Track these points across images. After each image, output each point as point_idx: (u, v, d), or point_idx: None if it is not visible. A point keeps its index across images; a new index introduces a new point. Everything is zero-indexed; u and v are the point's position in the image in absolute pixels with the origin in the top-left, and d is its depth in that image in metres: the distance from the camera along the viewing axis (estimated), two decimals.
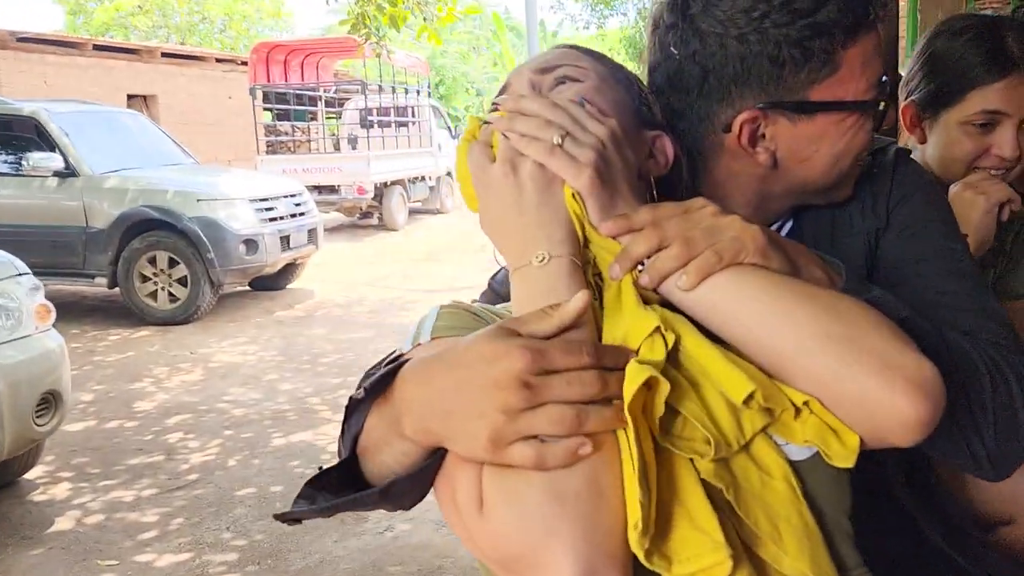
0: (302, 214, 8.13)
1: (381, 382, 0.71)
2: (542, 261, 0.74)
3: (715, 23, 0.88)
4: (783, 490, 0.71)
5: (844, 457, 0.71)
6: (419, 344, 0.79)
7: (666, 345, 0.69)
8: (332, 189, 12.62)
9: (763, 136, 0.91)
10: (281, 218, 7.75)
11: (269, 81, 13.74)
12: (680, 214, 0.77)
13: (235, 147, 15.49)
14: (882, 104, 0.92)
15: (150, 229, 7.20)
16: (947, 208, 1.01)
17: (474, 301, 1.10)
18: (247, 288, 8.34)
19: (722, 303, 0.74)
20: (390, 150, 13.62)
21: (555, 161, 0.76)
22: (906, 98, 1.42)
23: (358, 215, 13.57)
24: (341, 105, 15.19)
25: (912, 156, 1.03)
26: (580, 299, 0.68)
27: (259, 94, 13.25)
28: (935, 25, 1.41)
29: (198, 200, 7.21)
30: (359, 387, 0.76)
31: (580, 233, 0.77)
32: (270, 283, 8.36)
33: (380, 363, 0.87)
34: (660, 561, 0.65)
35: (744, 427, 0.70)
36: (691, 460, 0.69)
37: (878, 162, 0.99)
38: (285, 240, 7.71)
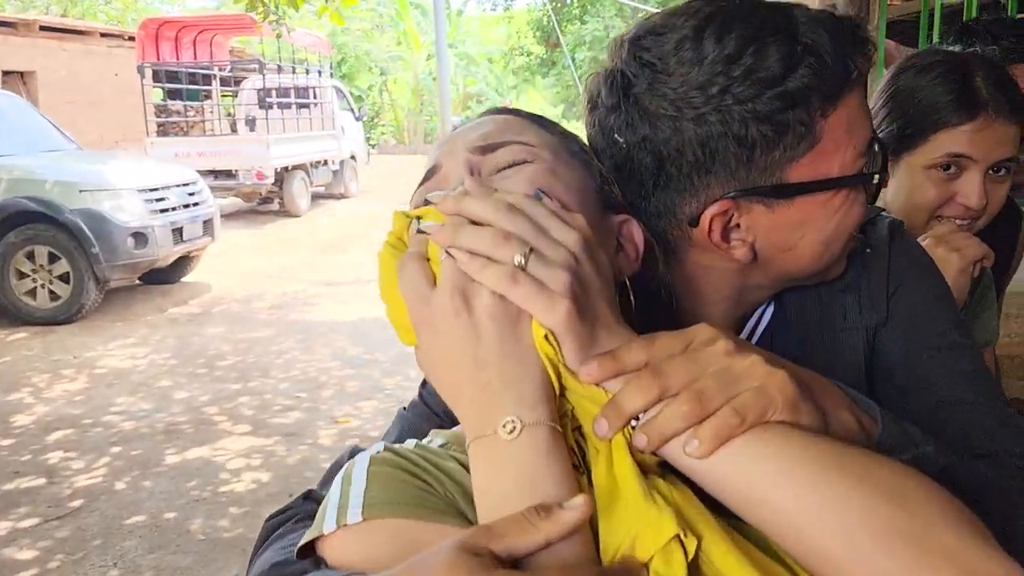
0: (196, 204, 7.67)
1: None
2: (512, 432, 0.57)
3: (665, 104, 0.72)
4: None
5: None
6: (345, 525, 0.60)
7: (686, 555, 0.53)
8: (229, 174, 12.04)
9: (737, 227, 0.76)
10: (173, 209, 7.28)
11: (159, 59, 12.98)
12: (683, 351, 0.60)
13: (123, 128, 14.62)
14: (876, 177, 0.78)
15: (28, 222, 6.64)
16: (949, 292, 0.88)
17: (403, 409, 0.92)
18: (137, 283, 7.84)
19: (745, 478, 0.56)
20: (291, 132, 13.11)
21: (520, 291, 0.58)
22: None
23: (257, 201, 13.03)
24: (238, 84, 14.53)
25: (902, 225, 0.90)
26: (579, 508, 0.52)
27: (148, 72, 12.51)
28: (900, 60, 1.29)
29: (80, 191, 6.69)
30: None
31: (556, 383, 0.59)
32: (162, 277, 7.89)
33: (286, 518, 0.70)
34: None
35: None
36: None
37: (870, 239, 0.86)
38: (178, 232, 7.25)
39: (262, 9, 7.50)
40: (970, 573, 0.51)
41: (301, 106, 14.15)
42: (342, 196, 15.07)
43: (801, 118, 0.71)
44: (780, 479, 0.55)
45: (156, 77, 13.09)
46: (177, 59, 13.44)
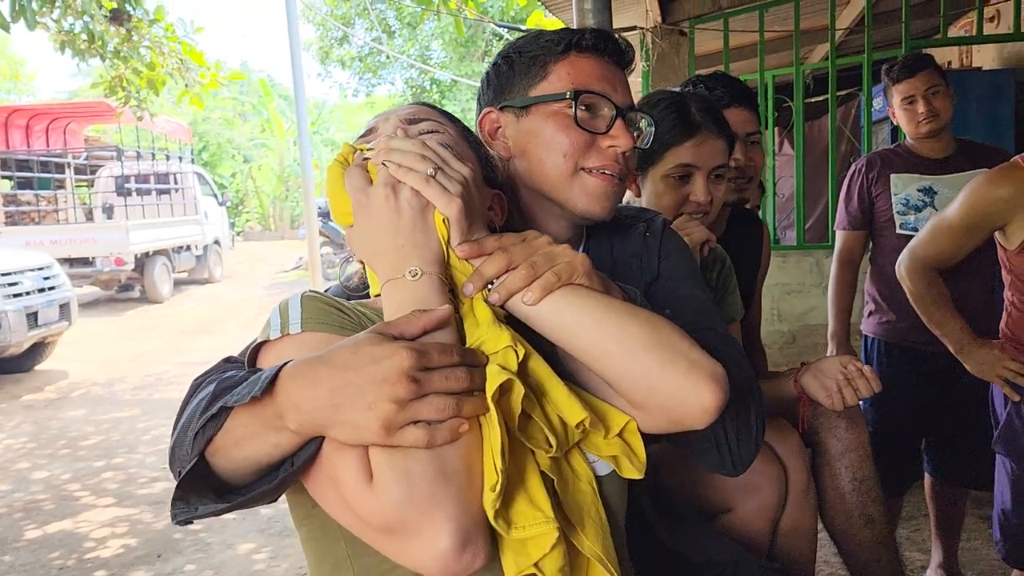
0: (52, 288, 7.51)
1: (268, 386, 0.79)
2: (415, 276, 0.88)
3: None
4: (588, 491, 0.90)
5: (635, 471, 0.92)
6: (288, 334, 0.89)
7: (517, 357, 0.85)
8: (86, 261, 11.72)
9: (499, 128, 1.18)
10: (27, 293, 7.12)
11: (9, 147, 12.62)
12: (520, 242, 0.94)
13: None
14: (581, 107, 1.12)
15: None
16: (696, 266, 1.30)
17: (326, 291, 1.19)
18: None
19: (561, 317, 0.90)
20: (151, 218, 12.93)
21: (430, 190, 0.90)
22: None
23: (117, 288, 12.69)
24: (93, 172, 14.21)
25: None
26: (446, 307, 0.84)
27: None
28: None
29: None
30: (221, 394, 0.84)
31: (445, 254, 0.91)
32: (14, 365, 7.59)
33: (245, 352, 0.96)
34: (502, 524, 0.80)
35: (569, 438, 0.88)
36: (532, 453, 0.85)
37: (650, 227, 1.26)
38: (32, 317, 7.08)
39: (122, 94, 7.54)
40: (696, 366, 0.88)
41: (162, 192, 13.99)
42: (207, 281, 14.85)
43: (539, 64, 1.14)
44: (584, 316, 0.90)
45: (5, 166, 12.69)
46: (28, 147, 13.09)
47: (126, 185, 12.67)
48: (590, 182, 1.13)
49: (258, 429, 0.81)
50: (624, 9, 4.33)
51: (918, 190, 2.62)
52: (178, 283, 13.76)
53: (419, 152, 0.92)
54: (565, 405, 0.86)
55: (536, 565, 0.82)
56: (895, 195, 2.64)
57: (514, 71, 1.15)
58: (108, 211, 12.81)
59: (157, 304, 12.40)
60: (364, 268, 1.05)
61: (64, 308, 7.63)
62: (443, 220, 0.90)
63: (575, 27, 1.29)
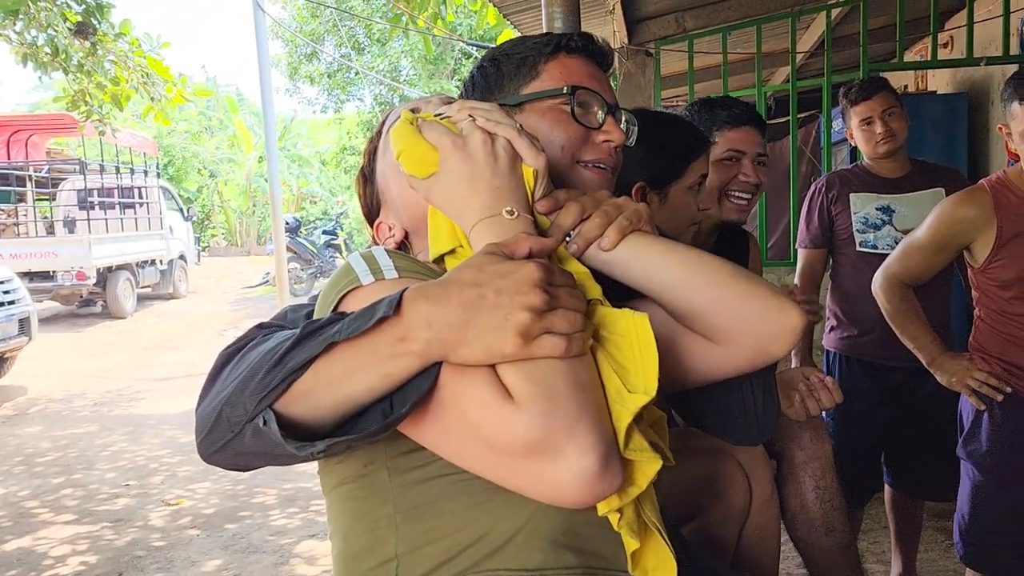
0: (11, 302, 7.38)
1: (390, 311, 0.77)
2: (512, 215, 0.90)
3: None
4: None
5: (668, 460, 0.90)
6: (384, 279, 0.88)
7: (600, 303, 0.88)
8: (47, 275, 11.52)
9: None
10: None
11: None
12: (585, 195, 0.99)
13: None
14: (576, 103, 1.14)
15: None
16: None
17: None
18: None
19: (643, 257, 0.95)
20: (115, 233, 12.75)
21: (521, 141, 0.95)
22: None
23: (78, 303, 12.48)
24: (55, 186, 13.99)
25: None
26: (552, 239, 0.90)
27: None
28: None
29: None
30: (307, 338, 0.80)
31: (530, 204, 0.95)
32: None
33: (281, 316, 1.00)
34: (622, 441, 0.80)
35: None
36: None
37: None
38: None
39: (84, 108, 7.45)
40: (772, 288, 0.95)
41: (126, 206, 13.81)
42: (171, 296, 14.66)
43: (529, 65, 1.16)
44: (662, 254, 0.95)
45: None
46: None
47: (89, 199, 12.49)
48: (587, 175, 1.15)
49: (366, 361, 0.77)
50: (591, 29, 4.39)
51: (876, 209, 2.69)
52: (142, 298, 13.57)
53: (501, 111, 0.98)
54: (643, 368, 0.86)
55: (635, 504, 0.83)
56: (854, 214, 2.71)
57: (502, 72, 1.17)
58: (70, 225, 12.60)
59: (120, 319, 12.22)
60: (406, 236, 1.06)
61: (23, 323, 7.50)
62: (534, 172, 0.95)
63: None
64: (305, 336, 0.80)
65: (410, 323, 0.77)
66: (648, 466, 0.82)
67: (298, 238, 15.15)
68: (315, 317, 0.92)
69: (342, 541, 0.95)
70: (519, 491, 0.78)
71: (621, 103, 1.23)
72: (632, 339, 0.84)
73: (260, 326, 0.98)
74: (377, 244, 1.07)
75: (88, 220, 12.19)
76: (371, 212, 1.13)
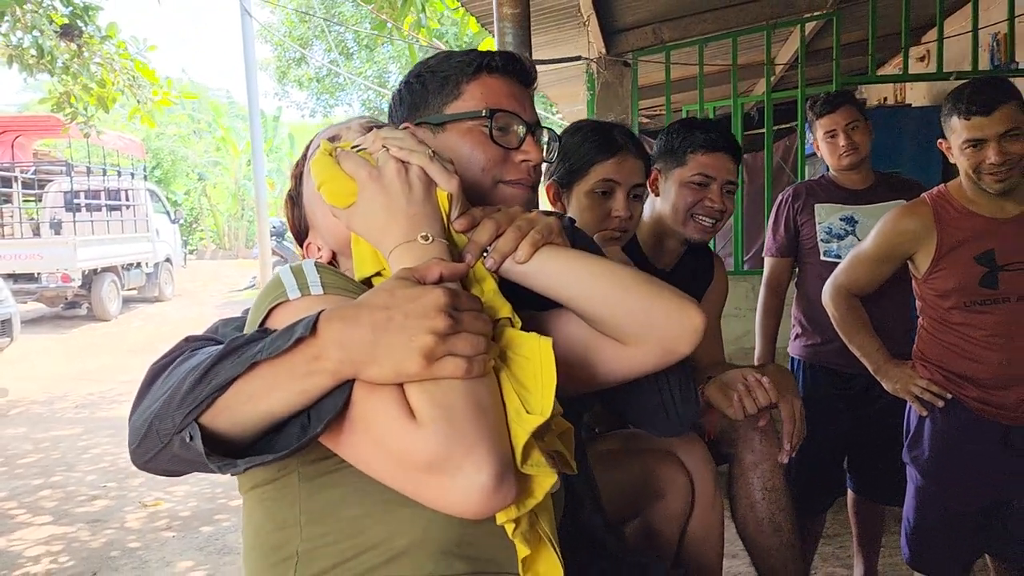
0: None
1: (306, 332, 0.82)
2: (427, 240, 0.96)
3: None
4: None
5: (569, 469, 0.97)
6: (308, 295, 0.93)
7: (511, 324, 0.94)
8: (31, 277, 11.50)
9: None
10: None
11: None
12: (500, 211, 1.04)
13: None
14: (495, 126, 1.17)
15: None
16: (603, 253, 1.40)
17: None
18: None
19: (555, 270, 1.02)
20: (101, 235, 12.73)
21: (434, 167, 1.00)
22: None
23: (63, 305, 12.45)
24: (42, 187, 13.96)
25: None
26: (463, 264, 0.94)
27: None
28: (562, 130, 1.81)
29: None
30: (230, 355, 0.84)
31: (446, 226, 1.00)
32: None
33: (213, 329, 1.02)
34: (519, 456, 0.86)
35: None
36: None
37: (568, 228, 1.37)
38: None
39: (70, 110, 7.46)
40: (676, 292, 1.01)
41: (112, 208, 13.79)
42: (156, 299, 14.64)
43: (452, 84, 1.18)
44: (573, 265, 1.02)
45: None
46: None
47: (75, 201, 12.47)
48: (508, 192, 1.19)
49: (283, 379, 0.82)
50: (569, 40, 4.47)
51: (840, 219, 2.75)
52: (127, 301, 13.55)
53: (413, 138, 1.02)
54: (547, 390, 0.91)
55: (530, 515, 0.88)
56: (819, 224, 2.77)
57: (427, 89, 1.19)
58: (56, 227, 12.58)
59: (104, 322, 12.19)
60: (334, 255, 1.11)
61: (5, 324, 7.51)
62: (448, 196, 0.99)
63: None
64: (229, 353, 0.85)
65: (324, 343, 0.82)
66: (545, 480, 0.88)
67: (284, 242, 15.16)
68: (245, 330, 0.97)
69: (253, 537, 1.01)
70: (421, 501, 0.84)
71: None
72: (535, 361, 0.90)
73: (188, 339, 1.03)
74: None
75: (74, 222, 12.19)
76: (300, 234, 1.19)
